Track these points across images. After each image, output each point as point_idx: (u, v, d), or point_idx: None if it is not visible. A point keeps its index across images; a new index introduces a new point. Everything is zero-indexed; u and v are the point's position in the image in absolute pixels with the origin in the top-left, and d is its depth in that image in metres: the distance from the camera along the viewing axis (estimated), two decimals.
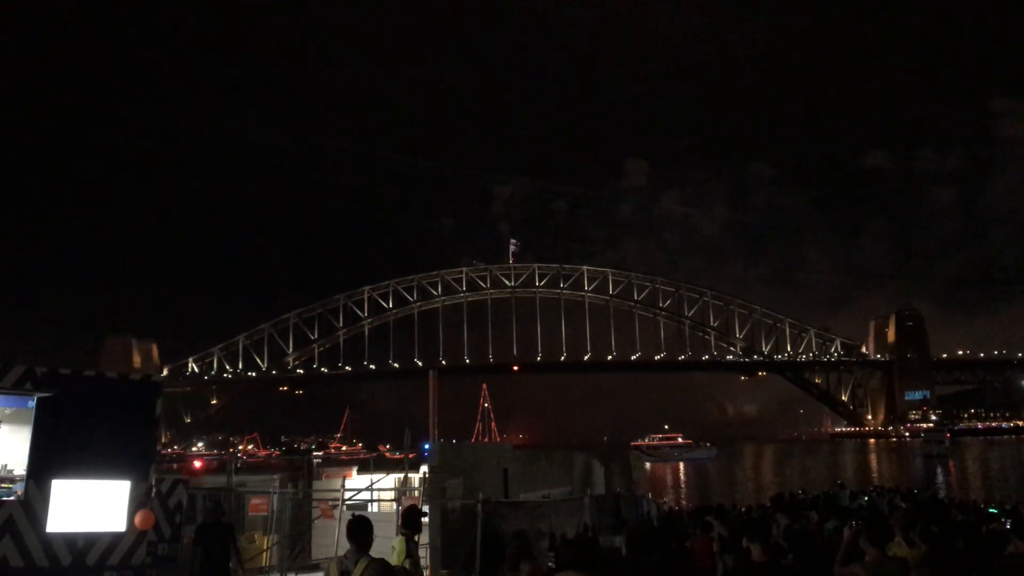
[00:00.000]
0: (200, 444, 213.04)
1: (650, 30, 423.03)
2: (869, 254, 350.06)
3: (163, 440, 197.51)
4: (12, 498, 7.51)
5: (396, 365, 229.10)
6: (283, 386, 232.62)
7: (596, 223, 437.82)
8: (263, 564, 14.11)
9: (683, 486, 74.57)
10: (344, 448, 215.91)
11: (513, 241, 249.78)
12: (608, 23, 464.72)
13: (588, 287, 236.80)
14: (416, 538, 8.49)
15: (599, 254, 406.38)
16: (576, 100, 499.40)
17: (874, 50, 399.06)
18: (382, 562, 6.07)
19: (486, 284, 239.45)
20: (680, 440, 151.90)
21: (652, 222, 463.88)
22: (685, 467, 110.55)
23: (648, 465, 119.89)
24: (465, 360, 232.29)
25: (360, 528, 6.11)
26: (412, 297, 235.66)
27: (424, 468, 16.32)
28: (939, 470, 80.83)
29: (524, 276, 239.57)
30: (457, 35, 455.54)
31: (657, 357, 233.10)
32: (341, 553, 11.92)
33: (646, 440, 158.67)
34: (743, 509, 21.90)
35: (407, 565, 7.77)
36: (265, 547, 14.49)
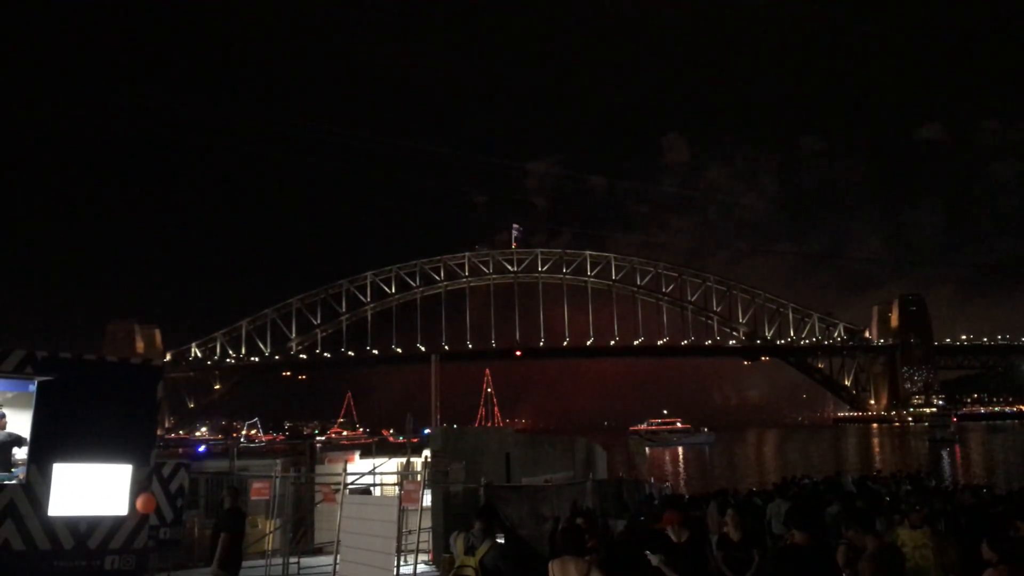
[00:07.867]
0: (203, 429, 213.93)
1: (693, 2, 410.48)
2: (919, 232, 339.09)
3: (166, 425, 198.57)
4: (14, 482, 7.50)
5: (399, 350, 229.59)
6: (286, 371, 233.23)
7: (635, 200, 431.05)
8: (265, 548, 14.16)
9: (681, 470, 74.80)
10: (345, 433, 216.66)
11: (515, 226, 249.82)
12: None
13: (591, 272, 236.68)
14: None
15: (638, 230, 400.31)
16: (613, 76, 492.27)
17: (931, 20, 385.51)
18: (504, 547, 6.71)
19: (489, 269, 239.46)
20: (679, 425, 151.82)
21: (695, 199, 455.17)
22: (684, 452, 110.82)
23: (647, 450, 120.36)
24: (468, 345, 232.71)
25: (491, 512, 7.05)
26: (415, 282, 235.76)
27: (426, 452, 16.34)
28: (945, 455, 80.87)
29: (527, 261, 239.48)
30: (485, 16, 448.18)
31: (660, 342, 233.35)
32: (343, 537, 11.90)
33: (644, 425, 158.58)
34: (748, 492, 21.92)
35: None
36: (268, 531, 14.54)
